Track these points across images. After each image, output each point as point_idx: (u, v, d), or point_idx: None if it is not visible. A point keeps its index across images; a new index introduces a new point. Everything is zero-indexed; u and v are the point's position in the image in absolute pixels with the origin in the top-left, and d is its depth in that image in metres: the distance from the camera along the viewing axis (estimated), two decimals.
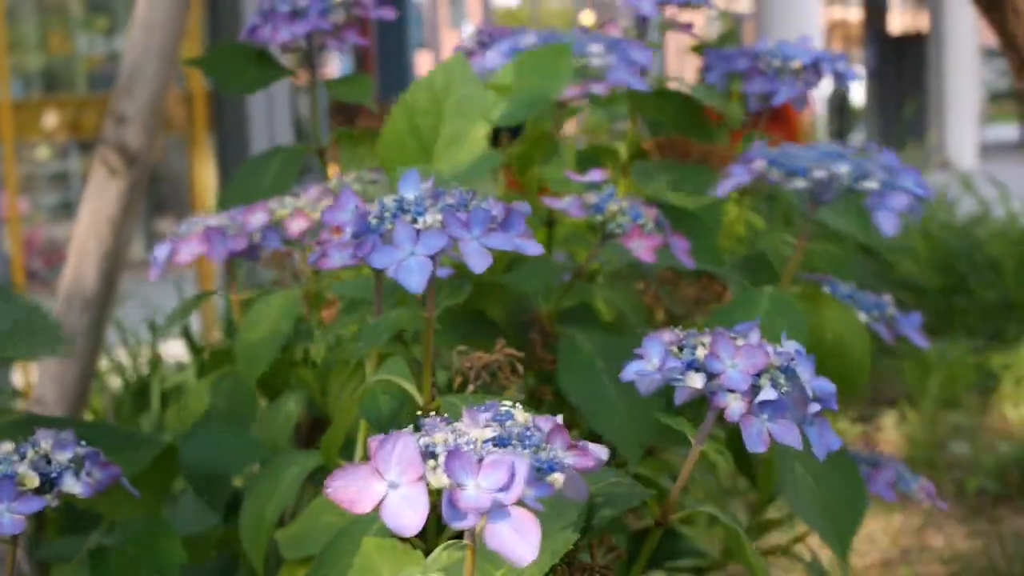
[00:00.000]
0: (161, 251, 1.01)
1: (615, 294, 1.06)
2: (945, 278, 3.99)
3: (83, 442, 0.74)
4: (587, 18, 11.22)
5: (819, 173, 0.88)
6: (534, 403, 1.05)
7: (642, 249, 0.89)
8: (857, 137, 14.90)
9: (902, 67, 15.69)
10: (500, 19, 10.72)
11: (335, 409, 0.96)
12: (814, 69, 1.07)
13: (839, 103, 11.68)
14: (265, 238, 1.02)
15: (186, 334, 2.58)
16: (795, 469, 0.85)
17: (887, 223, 0.87)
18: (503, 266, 1.12)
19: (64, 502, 0.71)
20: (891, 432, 3.04)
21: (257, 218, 1.02)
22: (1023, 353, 3.38)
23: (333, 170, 1.15)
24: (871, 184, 0.87)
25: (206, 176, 4.85)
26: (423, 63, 9.19)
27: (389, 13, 1.12)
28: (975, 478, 2.66)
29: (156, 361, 2.56)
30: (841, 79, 1.06)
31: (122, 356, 2.72)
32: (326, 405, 1.00)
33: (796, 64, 1.06)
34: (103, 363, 2.63)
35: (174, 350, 2.88)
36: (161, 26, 1.45)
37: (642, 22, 1.11)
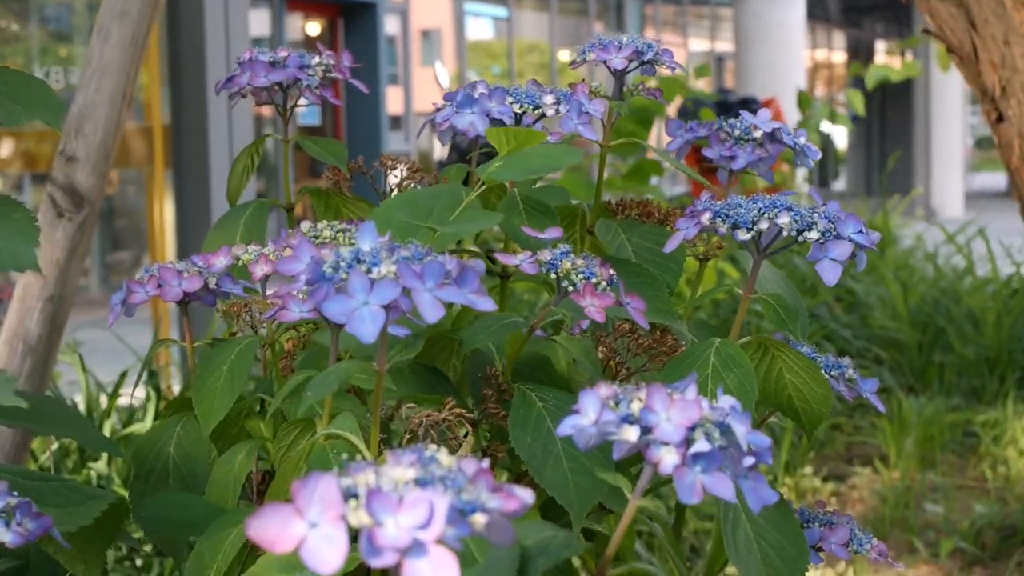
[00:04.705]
0: (118, 296, 1.05)
1: (572, 345, 1.09)
2: (924, 333, 4.03)
3: (15, 492, 0.76)
4: (564, 55, 11.31)
5: (763, 224, 0.92)
6: (488, 460, 1.07)
7: (594, 308, 0.92)
8: (840, 184, 15.01)
9: (887, 112, 15.86)
10: (474, 54, 10.79)
11: (282, 464, 0.98)
12: (772, 139, 1.11)
13: (822, 150, 11.78)
14: (221, 283, 1.05)
15: (143, 381, 2.59)
16: (738, 524, 0.88)
17: (829, 273, 0.91)
18: (458, 321, 1.15)
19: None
20: (865, 491, 3.07)
21: (220, 261, 1.06)
22: (1002, 411, 3.42)
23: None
24: (813, 235, 0.91)
25: (165, 213, 4.87)
26: (394, 99, 9.24)
27: (362, 86, 1.19)
28: (950, 540, 2.68)
29: (110, 409, 2.57)
30: (801, 154, 1.11)
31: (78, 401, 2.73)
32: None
33: (756, 133, 1.11)
34: None
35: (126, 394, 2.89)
36: (116, 66, 1.47)
37: (618, 78, 1.15)
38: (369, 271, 0.74)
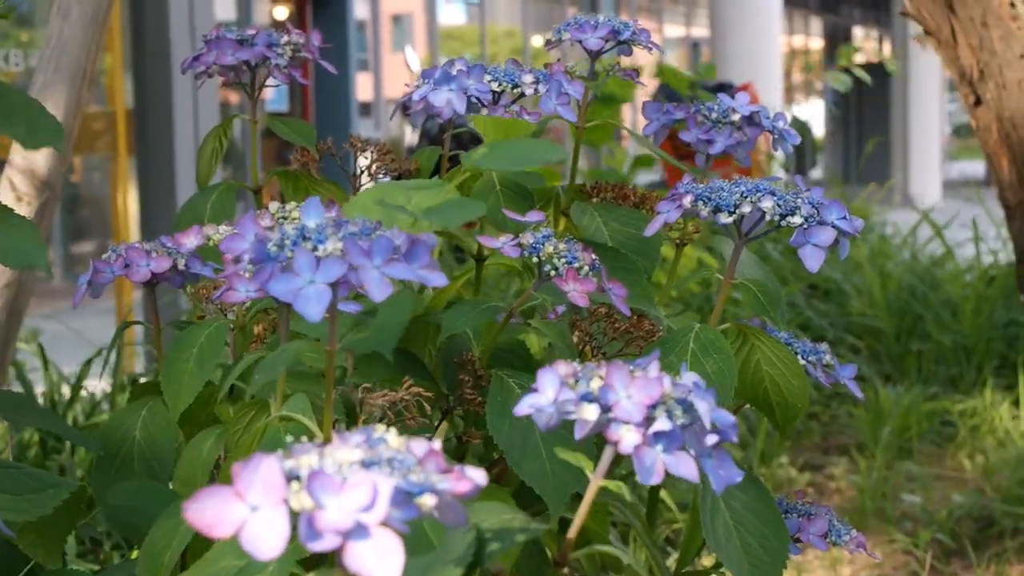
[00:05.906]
0: (84, 277, 1.04)
1: (547, 330, 1.08)
2: (901, 321, 4.04)
3: None
4: (537, 41, 11.30)
5: (745, 208, 0.92)
6: (462, 447, 1.07)
7: (576, 293, 0.91)
8: (817, 172, 15.05)
9: (864, 100, 15.90)
10: (446, 40, 10.77)
11: (236, 447, 0.97)
12: (750, 122, 1.11)
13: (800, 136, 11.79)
14: (190, 264, 1.04)
15: (108, 373, 2.57)
16: (716, 511, 0.88)
17: (812, 259, 0.91)
18: (434, 305, 1.14)
19: None
20: (842, 481, 3.07)
21: (191, 240, 1.04)
22: (981, 400, 3.43)
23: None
24: (796, 219, 0.91)
25: (128, 200, 4.83)
26: (363, 86, 9.20)
27: (331, 68, 1.19)
28: (928, 531, 2.69)
29: (74, 396, 2.56)
30: (781, 138, 1.10)
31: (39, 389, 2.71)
32: None
33: (734, 116, 1.10)
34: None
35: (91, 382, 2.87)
36: (76, 43, 1.46)
37: (594, 59, 1.15)
38: (315, 248, 0.72)
